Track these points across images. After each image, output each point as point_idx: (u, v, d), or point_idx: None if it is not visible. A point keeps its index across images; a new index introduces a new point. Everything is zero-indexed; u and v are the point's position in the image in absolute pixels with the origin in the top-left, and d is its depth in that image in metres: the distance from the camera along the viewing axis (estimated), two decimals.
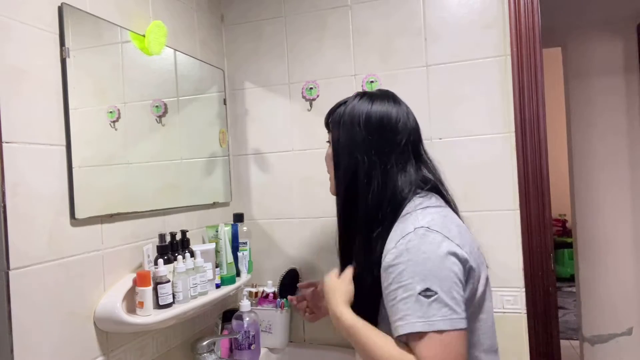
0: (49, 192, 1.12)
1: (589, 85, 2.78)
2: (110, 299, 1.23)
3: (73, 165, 1.18)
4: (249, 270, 1.74)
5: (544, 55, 1.60)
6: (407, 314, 0.86)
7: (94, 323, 1.22)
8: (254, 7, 1.93)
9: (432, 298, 0.85)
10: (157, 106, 1.56)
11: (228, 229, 1.66)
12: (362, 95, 1.09)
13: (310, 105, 1.87)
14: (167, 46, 1.55)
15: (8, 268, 1.00)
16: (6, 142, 1.01)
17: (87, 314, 1.21)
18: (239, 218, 1.77)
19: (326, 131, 1.18)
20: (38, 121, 1.10)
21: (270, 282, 1.85)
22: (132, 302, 1.27)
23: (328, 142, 1.15)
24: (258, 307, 1.81)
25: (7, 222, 1.00)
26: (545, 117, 1.58)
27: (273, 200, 1.94)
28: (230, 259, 1.62)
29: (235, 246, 1.69)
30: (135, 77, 1.48)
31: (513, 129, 1.61)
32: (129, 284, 1.27)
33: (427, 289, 0.85)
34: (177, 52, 1.66)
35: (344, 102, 1.10)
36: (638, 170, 2.72)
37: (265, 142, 1.95)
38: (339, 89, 1.83)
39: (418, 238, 0.90)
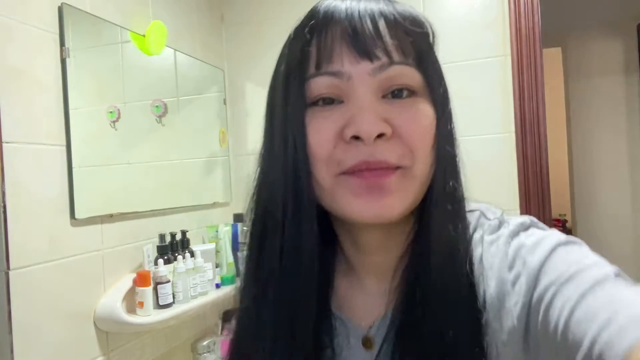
0: (49, 192, 1.12)
1: (589, 85, 2.79)
2: (110, 299, 1.23)
3: (73, 165, 1.18)
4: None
5: (544, 55, 1.60)
6: None
7: (94, 323, 1.22)
8: (254, 7, 1.93)
9: None
10: (157, 106, 1.56)
11: (228, 229, 1.66)
12: None
13: None
14: (167, 46, 1.55)
15: (8, 268, 1.00)
16: (6, 142, 1.01)
17: (87, 313, 1.21)
18: (239, 218, 1.77)
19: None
20: (38, 121, 1.10)
21: None
22: (132, 302, 1.27)
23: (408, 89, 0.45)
24: None
25: (7, 222, 1.00)
26: (545, 117, 1.58)
27: None
28: (231, 259, 1.62)
29: (236, 246, 1.69)
30: (135, 77, 1.48)
31: (513, 129, 1.61)
32: (129, 284, 1.28)
33: None
34: (177, 52, 1.66)
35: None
36: (638, 170, 2.72)
37: None
38: None
39: None
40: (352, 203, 0.43)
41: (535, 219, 0.48)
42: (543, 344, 0.40)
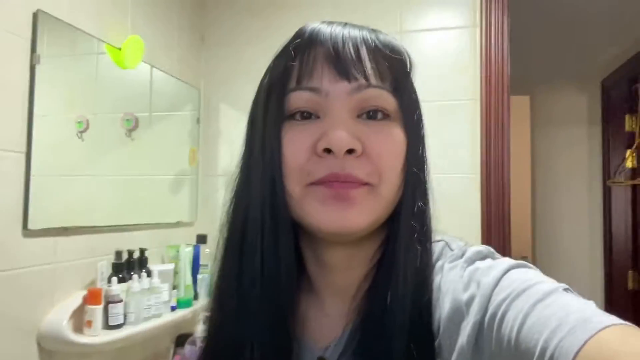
0: (2, 199, 1.08)
1: (554, 134, 2.90)
2: (57, 316, 1.17)
3: (32, 173, 1.14)
4: (209, 294, 1.70)
5: (512, 102, 1.67)
6: None
7: (37, 341, 1.16)
8: (235, 30, 1.95)
9: None
10: (128, 120, 1.54)
11: (189, 250, 1.62)
12: None
13: None
14: (143, 61, 1.54)
15: None
16: None
17: (31, 330, 1.14)
18: (202, 239, 1.74)
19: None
20: None
21: None
22: (80, 320, 1.22)
23: (383, 114, 0.47)
24: None
25: None
26: (509, 161, 1.64)
27: None
28: (189, 281, 1.58)
29: (196, 268, 1.66)
30: (108, 89, 1.46)
31: (479, 170, 1.65)
32: (79, 301, 1.22)
33: None
34: (154, 68, 1.65)
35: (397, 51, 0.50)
36: (596, 217, 2.83)
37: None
38: None
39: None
40: (319, 211, 0.44)
41: (492, 249, 0.49)
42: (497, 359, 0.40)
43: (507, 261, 0.46)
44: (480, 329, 0.42)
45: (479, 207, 1.65)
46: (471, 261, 0.47)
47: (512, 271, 0.44)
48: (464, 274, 0.46)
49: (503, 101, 1.63)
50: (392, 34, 0.52)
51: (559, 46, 2.81)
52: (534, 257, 2.88)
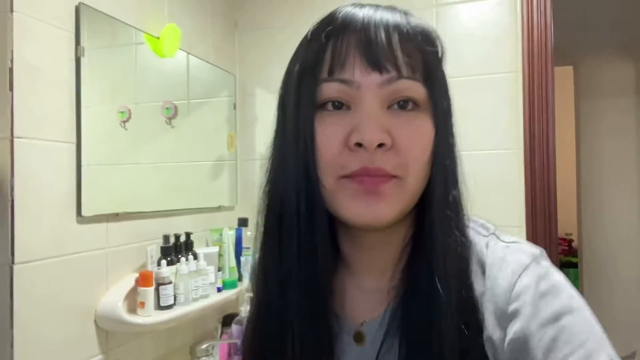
0: (57, 188, 1.13)
1: (600, 105, 2.78)
2: (112, 298, 1.23)
3: (82, 163, 1.19)
4: (250, 276, 1.74)
5: (555, 73, 1.60)
6: None
7: (95, 321, 1.22)
8: (267, 15, 1.95)
9: None
10: (167, 108, 1.57)
11: (232, 233, 1.66)
12: None
13: None
14: (180, 49, 1.56)
15: (13, 262, 1.00)
16: (18, 137, 1.02)
17: (89, 311, 1.21)
18: (243, 223, 1.77)
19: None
20: (50, 118, 1.11)
21: None
22: (133, 301, 1.28)
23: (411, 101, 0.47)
24: None
25: (14, 216, 1.01)
26: (554, 135, 1.58)
27: None
28: (233, 263, 1.62)
29: (239, 250, 1.70)
30: (147, 78, 1.49)
31: (522, 145, 1.60)
32: (131, 283, 1.28)
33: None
34: (190, 56, 1.68)
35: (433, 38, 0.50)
36: None
37: None
38: None
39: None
40: (350, 206, 0.46)
41: (543, 253, 0.49)
42: None
43: (563, 293, 0.44)
44: (512, 348, 0.43)
45: (523, 184, 1.60)
46: (525, 267, 0.46)
47: (565, 318, 0.42)
48: (516, 282, 0.45)
49: (547, 73, 1.57)
50: (426, 8, 0.51)
51: (604, 12, 2.66)
52: (580, 233, 2.79)
